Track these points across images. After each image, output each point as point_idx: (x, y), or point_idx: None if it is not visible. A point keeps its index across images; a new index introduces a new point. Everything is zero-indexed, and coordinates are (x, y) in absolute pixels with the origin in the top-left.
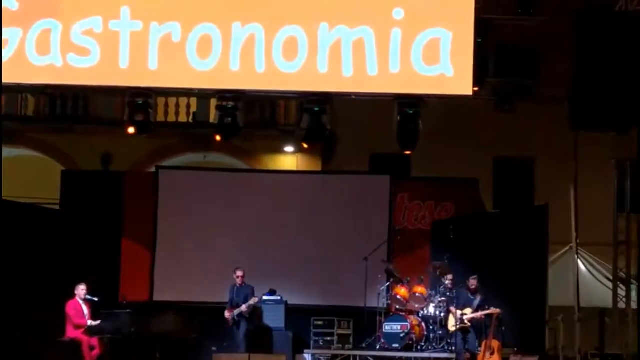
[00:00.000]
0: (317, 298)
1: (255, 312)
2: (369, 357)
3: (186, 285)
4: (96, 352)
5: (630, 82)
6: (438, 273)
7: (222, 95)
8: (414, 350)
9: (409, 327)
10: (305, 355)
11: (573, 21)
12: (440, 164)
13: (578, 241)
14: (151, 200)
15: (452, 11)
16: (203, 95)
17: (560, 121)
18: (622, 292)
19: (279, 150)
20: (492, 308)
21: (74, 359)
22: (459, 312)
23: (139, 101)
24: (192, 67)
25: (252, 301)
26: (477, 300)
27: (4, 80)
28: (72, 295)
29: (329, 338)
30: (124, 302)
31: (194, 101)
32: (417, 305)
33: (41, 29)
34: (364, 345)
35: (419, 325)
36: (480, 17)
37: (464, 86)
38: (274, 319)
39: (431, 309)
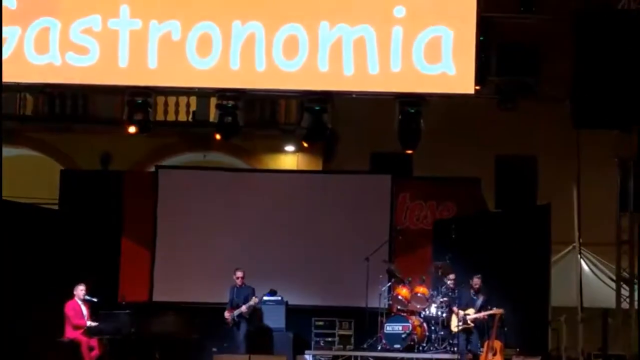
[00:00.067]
0: (318, 298)
1: (256, 313)
2: (370, 358)
3: (186, 285)
4: (95, 352)
5: (633, 80)
6: (440, 273)
7: (222, 94)
8: (416, 351)
9: (410, 327)
10: (306, 356)
11: (575, 19)
12: (442, 163)
13: (581, 241)
14: (151, 200)
15: (454, 9)
16: (203, 94)
17: (562, 119)
18: (625, 292)
19: (279, 150)
20: (494, 308)
21: (73, 359)
22: (461, 313)
23: (138, 100)
24: (192, 66)
25: (252, 302)
26: (480, 300)
27: (2, 79)
28: (71, 295)
29: (330, 339)
30: (124, 302)
31: (193, 100)
32: (418, 306)
33: (40, 27)
34: (365, 345)
35: (421, 325)
36: (482, 15)
37: (466, 85)
38: (275, 319)
39: (433, 310)
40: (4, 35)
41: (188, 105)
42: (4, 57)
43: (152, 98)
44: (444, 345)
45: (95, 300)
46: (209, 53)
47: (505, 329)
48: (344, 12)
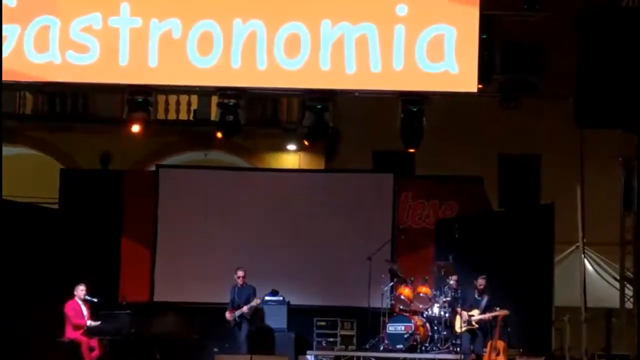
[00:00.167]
0: (320, 298)
1: (257, 313)
2: (372, 358)
3: (187, 285)
4: (96, 353)
5: (637, 78)
6: (442, 273)
7: (223, 92)
8: (418, 351)
9: (413, 327)
10: (308, 357)
11: (578, 17)
12: (445, 161)
13: (584, 240)
14: (151, 200)
15: (457, 7)
16: (204, 93)
17: (566, 118)
18: (629, 292)
19: (281, 149)
20: (499, 309)
21: (74, 359)
22: (465, 314)
23: (138, 99)
24: (193, 64)
25: (254, 303)
26: (484, 300)
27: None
28: (71, 295)
29: (331, 339)
30: (124, 302)
31: (194, 99)
32: (421, 306)
33: (39, 25)
34: (367, 346)
35: (423, 325)
36: (484, 13)
37: (469, 83)
38: (276, 319)
39: (435, 309)
40: (3, 34)
41: (189, 103)
42: (4, 55)
43: (153, 97)
44: (446, 346)
45: (95, 300)
46: (209, 51)
47: (509, 329)
48: (346, 10)
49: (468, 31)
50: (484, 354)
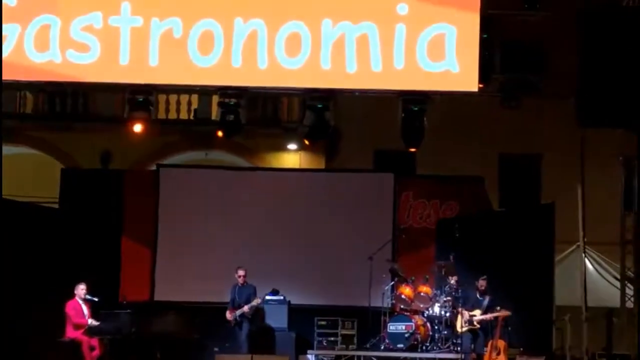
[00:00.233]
0: (321, 298)
1: (258, 312)
2: (373, 358)
3: (187, 284)
4: (96, 352)
5: (638, 78)
6: (443, 272)
7: (224, 92)
8: (419, 350)
9: (413, 327)
10: (309, 356)
11: (579, 16)
12: (446, 161)
13: (585, 240)
14: (152, 199)
15: (457, 6)
16: (204, 92)
17: (566, 118)
18: (629, 291)
19: (281, 148)
20: (501, 310)
21: (74, 359)
22: (467, 314)
23: (139, 98)
24: (194, 64)
25: (254, 302)
26: (486, 300)
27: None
28: (71, 295)
29: (332, 338)
30: (124, 302)
31: (195, 98)
32: (422, 305)
33: (40, 24)
34: (368, 345)
35: (424, 325)
36: (485, 12)
37: (470, 82)
38: (277, 319)
39: (436, 309)
40: (4, 33)
41: (189, 103)
42: (4, 55)
43: (154, 96)
44: (447, 345)
45: (95, 299)
46: (210, 50)
47: (509, 328)
48: (347, 10)
49: (469, 30)
50: (485, 353)
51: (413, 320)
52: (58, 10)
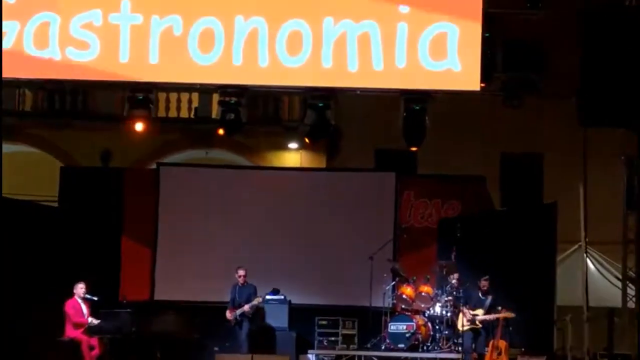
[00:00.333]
0: (321, 297)
1: (258, 312)
2: (374, 358)
3: (187, 284)
4: (96, 352)
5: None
6: (444, 272)
7: (225, 90)
8: (420, 350)
9: (414, 327)
10: (309, 356)
11: (581, 15)
12: (447, 160)
13: (587, 239)
14: (152, 198)
15: (459, 5)
16: (205, 90)
17: (568, 117)
18: (631, 291)
19: (282, 147)
20: (503, 310)
21: (74, 359)
22: (469, 313)
23: (139, 96)
24: (194, 62)
25: (255, 301)
26: (488, 300)
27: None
28: (71, 294)
29: (333, 338)
30: (124, 301)
31: (195, 96)
32: (423, 305)
33: (39, 22)
34: (368, 345)
35: (425, 325)
36: (487, 11)
37: (472, 81)
38: (277, 318)
39: (437, 309)
40: (3, 30)
41: (190, 101)
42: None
43: (154, 94)
44: (448, 345)
45: (95, 298)
46: (211, 48)
47: (510, 328)
48: (349, 8)
49: (471, 29)
50: (486, 353)
51: (414, 320)
52: (57, 8)
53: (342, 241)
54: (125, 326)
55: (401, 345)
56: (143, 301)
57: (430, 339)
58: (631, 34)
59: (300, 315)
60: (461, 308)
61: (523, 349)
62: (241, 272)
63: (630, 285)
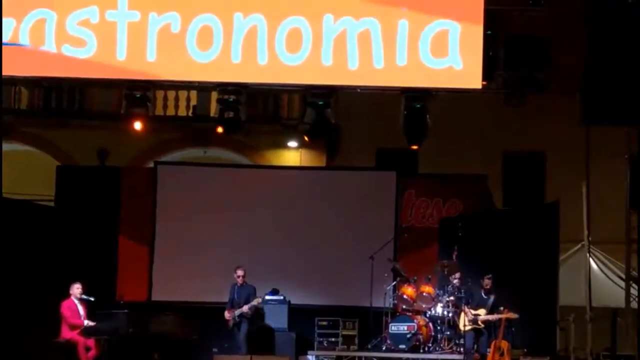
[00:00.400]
0: (321, 298)
1: (258, 312)
2: (374, 358)
3: (185, 284)
4: (92, 353)
5: None
6: (446, 272)
7: (223, 88)
8: (421, 351)
9: (415, 327)
10: (309, 357)
11: (585, 12)
12: (448, 159)
13: (590, 239)
14: (149, 197)
15: (461, 3)
16: (203, 88)
17: (570, 115)
18: (634, 291)
19: (281, 145)
20: (506, 310)
21: None
22: (471, 312)
23: (136, 94)
24: (192, 59)
25: (254, 302)
26: (491, 299)
27: None
28: (67, 294)
29: (333, 339)
30: (121, 302)
31: (194, 94)
32: (424, 305)
33: (35, 19)
34: (369, 346)
35: (426, 325)
36: (489, 8)
37: (473, 79)
38: (277, 319)
39: (439, 309)
40: None
41: (188, 99)
42: None
43: (151, 92)
44: (450, 346)
45: (92, 299)
46: (209, 46)
47: (513, 329)
48: (349, 5)
49: (472, 27)
50: (488, 353)
51: (415, 321)
52: (54, 4)
53: (342, 241)
54: (122, 327)
55: (402, 346)
56: (140, 302)
57: (431, 339)
58: (635, 31)
59: (300, 316)
60: (463, 308)
61: (525, 350)
62: (240, 272)
63: (633, 285)
